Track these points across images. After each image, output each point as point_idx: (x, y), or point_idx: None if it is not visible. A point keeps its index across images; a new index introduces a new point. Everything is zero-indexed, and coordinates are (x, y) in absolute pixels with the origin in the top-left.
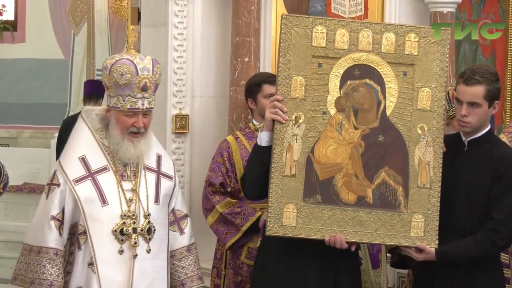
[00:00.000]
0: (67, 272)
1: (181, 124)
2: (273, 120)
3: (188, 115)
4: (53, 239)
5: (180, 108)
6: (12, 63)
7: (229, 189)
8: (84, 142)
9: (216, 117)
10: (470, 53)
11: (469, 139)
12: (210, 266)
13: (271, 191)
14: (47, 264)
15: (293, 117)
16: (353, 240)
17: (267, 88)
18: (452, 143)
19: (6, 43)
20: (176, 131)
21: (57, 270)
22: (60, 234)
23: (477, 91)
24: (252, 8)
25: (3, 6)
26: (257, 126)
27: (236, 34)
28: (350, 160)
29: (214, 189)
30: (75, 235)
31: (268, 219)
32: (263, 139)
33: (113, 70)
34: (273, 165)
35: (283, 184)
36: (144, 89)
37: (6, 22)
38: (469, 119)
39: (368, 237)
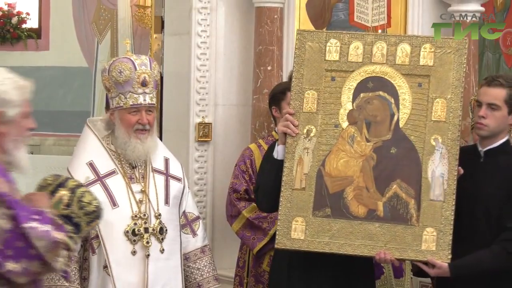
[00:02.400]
0: (84, 278)
1: (204, 132)
2: (286, 134)
3: (211, 123)
4: None
5: (203, 117)
6: (36, 70)
7: (253, 196)
8: (91, 148)
9: (239, 126)
10: (493, 62)
11: (485, 149)
12: (232, 274)
13: (280, 204)
14: None
15: (305, 130)
16: (360, 254)
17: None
18: (468, 154)
19: (30, 50)
20: (199, 140)
21: (73, 276)
22: None
23: (498, 93)
24: (275, 17)
25: (27, 14)
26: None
27: (259, 42)
28: (361, 173)
29: (239, 196)
30: (88, 241)
31: (277, 232)
32: (279, 152)
33: (112, 70)
34: (283, 179)
35: (292, 197)
36: (144, 84)
37: (30, 30)
38: (486, 122)
39: (378, 250)
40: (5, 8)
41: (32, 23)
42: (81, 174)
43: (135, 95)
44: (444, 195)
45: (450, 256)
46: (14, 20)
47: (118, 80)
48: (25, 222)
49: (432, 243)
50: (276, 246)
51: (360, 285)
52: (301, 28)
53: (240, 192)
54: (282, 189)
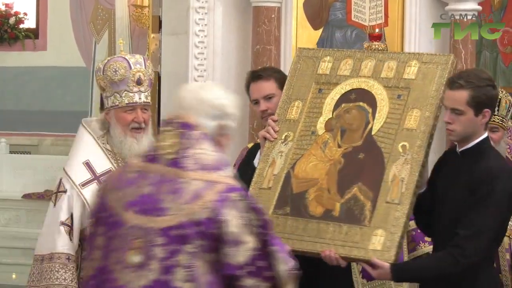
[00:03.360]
0: (81, 278)
1: None
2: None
3: None
4: (64, 244)
5: None
6: (33, 71)
7: None
8: (87, 148)
9: (237, 125)
10: (491, 61)
11: (461, 149)
12: None
13: None
14: (60, 269)
15: (283, 136)
16: (308, 250)
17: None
18: (449, 154)
19: (27, 51)
20: None
21: (71, 275)
22: (71, 239)
23: (459, 96)
24: (273, 16)
25: (25, 14)
26: None
27: (257, 42)
28: (326, 176)
29: None
30: (86, 240)
31: None
32: None
33: (106, 69)
34: (254, 179)
35: (258, 196)
36: (139, 82)
37: (28, 30)
38: (453, 127)
39: (324, 247)
40: (3, 8)
41: (29, 23)
42: (78, 174)
43: (131, 94)
44: (401, 198)
45: (394, 258)
46: (12, 20)
47: (113, 79)
48: (274, 244)
49: (379, 243)
50: None
51: (329, 283)
52: (299, 26)
53: None
54: (250, 188)
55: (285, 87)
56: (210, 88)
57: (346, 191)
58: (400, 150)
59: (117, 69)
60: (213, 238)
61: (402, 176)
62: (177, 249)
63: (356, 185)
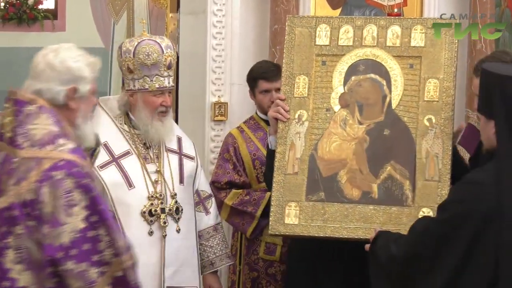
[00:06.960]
0: None
1: (220, 111)
2: (277, 120)
3: (226, 102)
4: None
5: (219, 96)
6: None
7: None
8: (105, 129)
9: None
10: (510, 41)
11: None
12: None
13: (273, 190)
14: None
15: (296, 115)
16: (356, 237)
17: (262, 84)
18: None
19: (46, 31)
20: (214, 119)
21: None
22: None
23: None
24: None
25: None
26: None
27: (275, 21)
28: (354, 156)
29: (220, 186)
30: None
31: (270, 218)
32: (272, 143)
33: (138, 52)
34: (276, 164)
35: (285, 183)
36: (169, 66)
37: (47, 10)
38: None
39: (373, 233)
40: None
41: (48, 3)
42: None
43: (161, 78)
44: (439, 174)
45: None
46: (30, 1)
47: (145, 62)
48: (105, 224)
49: None
50: (269, 232)
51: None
52: (317, 6)
53: (221, 183)
54: (274, 174)
55: (284, 61)
56: (62, 51)
57: (380, 171)
58: (427, 123)
59: (150, 53)
60: (37, 219)
61: (435, 152)
62: (7, 231)
63: (388, 164)
